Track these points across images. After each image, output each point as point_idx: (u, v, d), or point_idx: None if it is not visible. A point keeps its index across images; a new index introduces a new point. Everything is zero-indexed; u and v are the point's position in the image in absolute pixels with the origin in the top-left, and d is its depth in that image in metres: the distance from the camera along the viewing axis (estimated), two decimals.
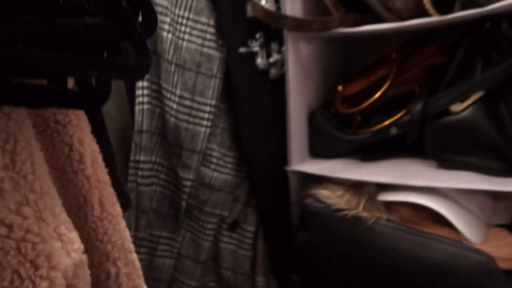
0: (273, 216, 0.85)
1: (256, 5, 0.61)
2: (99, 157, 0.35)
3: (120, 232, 0.36)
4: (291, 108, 0.76)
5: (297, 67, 0.75)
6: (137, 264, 0.37)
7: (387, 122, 0.73)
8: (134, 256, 0.37)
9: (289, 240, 0.84)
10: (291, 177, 0.79)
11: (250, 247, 0.85)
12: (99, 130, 0.37)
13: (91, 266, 0.32)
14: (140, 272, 0.38)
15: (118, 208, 0.37)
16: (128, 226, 0.76)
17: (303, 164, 0.80)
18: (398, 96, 0.76)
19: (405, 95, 0.75)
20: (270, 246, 0.85)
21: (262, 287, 0.84)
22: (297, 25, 0.61)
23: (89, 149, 0.34)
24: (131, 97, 0.79)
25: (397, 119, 0.72)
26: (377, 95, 0.75)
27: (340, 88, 0.83)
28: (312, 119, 0.82)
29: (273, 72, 0.78)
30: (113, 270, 0.35)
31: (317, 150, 0.83)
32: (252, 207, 0.86)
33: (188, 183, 0.77)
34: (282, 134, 0.81)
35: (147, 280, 0.82)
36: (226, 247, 0.85)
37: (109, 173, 0.36)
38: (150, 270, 0.79)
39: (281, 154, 0.82)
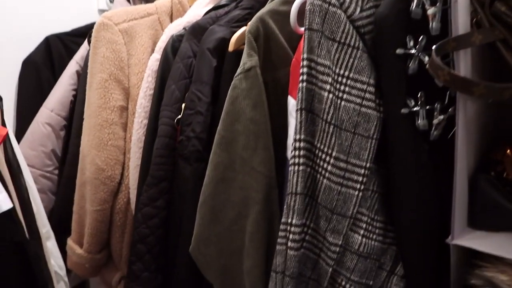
0: None
1: (441, 69, 0.55)
2: None
3: None
4: (458, 174, 0.68)
5: (466, 129, 0.68)
6: None
7: None
8: None
9: None
10: (453, 251, 0.70)
11: None
12: None
13: None
14: None
15: None
16: None
17: (464, 236, 0.71)
18: None
19: None
20: None
21: None
22: (489, 92, 0.54)
23: None
24: (280, 155, 0.78)
25: None
26: None
27: (509, 151, 0.74)
28: (476, 186, 0.73)
29: (435, 133, 0.71)
30: None
31: (480, 221, 0.73)
32: (397, 276, 0.78)
33: (337, 249, 0.72)
34: (438, 200, 0.73)
35: None
36: None
37: None
38: None
39: (437, 222, 0.74)
